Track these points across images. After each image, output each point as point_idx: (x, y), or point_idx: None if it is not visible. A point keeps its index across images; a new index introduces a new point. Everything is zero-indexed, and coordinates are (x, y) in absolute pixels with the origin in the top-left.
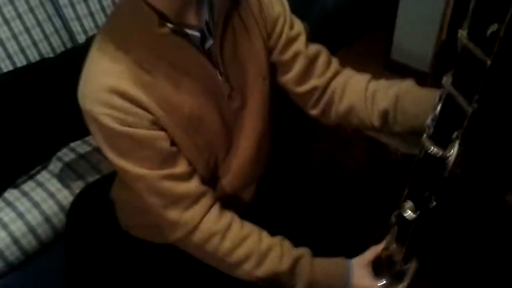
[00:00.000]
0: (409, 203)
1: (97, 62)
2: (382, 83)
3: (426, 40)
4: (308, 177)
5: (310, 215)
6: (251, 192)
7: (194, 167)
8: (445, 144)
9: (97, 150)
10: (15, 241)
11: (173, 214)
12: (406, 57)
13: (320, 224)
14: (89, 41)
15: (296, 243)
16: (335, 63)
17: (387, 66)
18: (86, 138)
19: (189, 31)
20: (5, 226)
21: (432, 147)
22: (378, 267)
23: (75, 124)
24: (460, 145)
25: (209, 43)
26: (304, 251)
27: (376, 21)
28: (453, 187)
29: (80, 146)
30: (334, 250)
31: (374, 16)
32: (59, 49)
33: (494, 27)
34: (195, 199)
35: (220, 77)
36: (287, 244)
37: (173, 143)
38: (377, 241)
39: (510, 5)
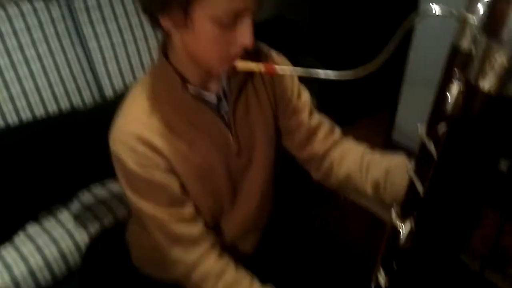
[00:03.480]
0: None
1: (131, 110)
2: (376, 156)
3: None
4: (304, 243)
5: (303, 276)
6: (251, 244)
7: (199, 212)
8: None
9: (115, 195)
10: (32, 273)
11: (176, 252)
12: (407, 139)
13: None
14: (118, 98)
15: None
16: (336, 133)
17: (387, 146)
18: (105, 182)
19: (207, 96)
20: (24, 259)
21: (394, 220)
22: None
23: (96, 168)
24: (411, 222)
25: (224, 107)
26: None
27: (379, 103)
28: (405, 260)
29: (99, 190)
30: None
31: (377, 98)
32: (88, 101)
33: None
34: (197, 240)
35: (231, 137)
36: None
37: (183, 188)
38: None
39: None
